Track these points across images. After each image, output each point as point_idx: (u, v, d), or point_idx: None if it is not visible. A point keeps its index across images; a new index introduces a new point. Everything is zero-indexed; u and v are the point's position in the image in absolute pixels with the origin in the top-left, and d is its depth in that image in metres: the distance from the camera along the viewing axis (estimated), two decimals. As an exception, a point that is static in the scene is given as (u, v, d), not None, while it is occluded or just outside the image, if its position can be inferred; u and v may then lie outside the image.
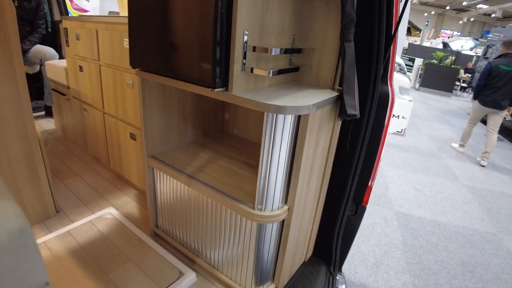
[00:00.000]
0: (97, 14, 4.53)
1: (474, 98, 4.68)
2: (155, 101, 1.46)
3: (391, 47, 1.27)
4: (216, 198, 1.28)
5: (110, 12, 5.06)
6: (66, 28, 2.35)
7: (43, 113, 3.56)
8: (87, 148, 2.60)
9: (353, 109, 1.18)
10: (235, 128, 1.89)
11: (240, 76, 1.04)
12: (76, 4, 4.13)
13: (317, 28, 1.25)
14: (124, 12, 2.49)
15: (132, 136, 1.94)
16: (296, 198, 1.20)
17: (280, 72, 1.11)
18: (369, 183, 1.57)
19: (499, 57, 4.59)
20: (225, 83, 1.04)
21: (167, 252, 1.61)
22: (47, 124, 3.28)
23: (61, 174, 2.33)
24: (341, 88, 1.18)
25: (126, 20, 1.71)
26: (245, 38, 1.00)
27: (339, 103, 1.24)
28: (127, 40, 1.71)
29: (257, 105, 0.99)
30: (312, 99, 1.07)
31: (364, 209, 1.65)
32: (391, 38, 1.24)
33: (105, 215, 1.87)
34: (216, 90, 1.03)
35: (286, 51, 1.19)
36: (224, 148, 1.70)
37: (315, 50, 1.28)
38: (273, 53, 1.01)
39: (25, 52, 3.08)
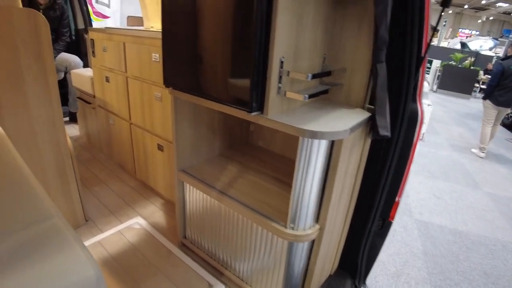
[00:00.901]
0: (118, 19, 4.62)
1: (485, 98, 4.69)
2: (186, 117, 1.50)
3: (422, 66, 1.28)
4: (248, 215, 1.31)
5: (128, 17, 5.16)
6: (92, 39, 2.41)
7: (67, 119, 3.65)
8: (113, 156, 2.66)
9: (385, 130, 1.19)
10: (260, 140, 1.92)
11: (275, 99, 1.06)
12: (97, 10, 4.22)
13: (348, 48, 1.27)
14: (148, 23, 2.55)
15: (160, 147, 1.98)
16: (327, 217, 1.22)
17: (313, 95, 1.13)
18: (397, 199, 1.57)
19: (507, 58, 4.69)
20: (260, 106, 1.06)
21: (195, 263, 1.65)
22: (72, 131, 3.37)
23: (87, 181, 2.39)
24: (372, 106, 1.19)
25: (154, 35, 1.76)
26: (282, 63, 1.02)
27: (370, 122, 1.25)
28: (156, 54, 1.75)
29: (293, 130, 1.01)
30: (346, 122, 1.08)
31: (390, 224, 1.65)
32: (421, 59, 1.24)
33: (133, 225, 1.92)
34: (252, 114, 1.05)
35: (320, 75, 1.21)
36: (250, 160, 1.72)
37: (346, 70, 1.29)
38: (309, 79, 1.02)
39: (51, 60, 3.17)
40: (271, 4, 0.93)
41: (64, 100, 3.64)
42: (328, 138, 1.02)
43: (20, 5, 1.40)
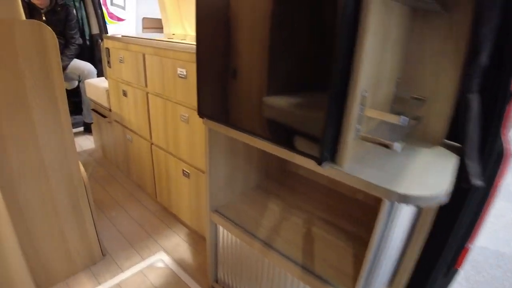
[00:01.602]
0: (133, 21, 4.39)
1: None
2: (221, 149, 1.25)
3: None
4: (297, 275, 1.05)
5: (144, 19, 4.94)
6: (108, 49, 2.18)
7: (81, 129, 3.45)
8: (131, 175, 2.43)
9: (478, 178, 0.92)
10: (300, 168, 1.66)
11: (351, 145, 0.80)
12: (112, 13, 4.00)
13: (428, 71, 1.00)
14: (169, 29, 2.30)
15: (185, 174, 1.74)
16: (402, 282, 0.96)
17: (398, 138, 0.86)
18: (468, 246, 1.30)
19: None
20: (332, 154, 0.80)
21: (230, 316, 1.40)
22: (86, 143, 3.16)
23: (104, 205, 2.18)
24: (450, 142, 0.93)
25: (181, 47, 1.51)
26: (364, 98, 0.76)
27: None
28: (182, 69, 1.51)
29: (377, 190, 0.75)
30: (439, 176, 0.82)
31: (456, 272, 1.39)
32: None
33: (156, 263, 1.68)
34: (324, 166, 0.80)
35: (415, 118, 0.94)
36: (292, 195, 1.47)
37: (425, 98, 1.02)
38: (405, 123, 0.76)
39: (64, 68, 2.96)
40: (357, 22, 0.67)
41: (78, 110, 3.45)
42: (424, 204, 0.75)
43: (23, 16, 1.17)
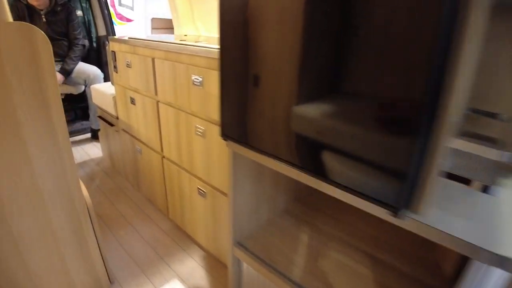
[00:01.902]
0: (142, 22, 4.22)
1: None
2: (247, 173, 1.05)
3: None
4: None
5: (153, 19, 4.76)
6: (114, 52, 2.00)
7: (88, 135, 3.28)
8: (140, 187, 2.25)
9: None
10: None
11: (433, 188, 0.59)
12: (120, 13, 3.83)
13: (508, 83, 0.79)
14: (180, 29, 2.11)
15: (201, 193, 1.54)
16: None
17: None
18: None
19: None
20: (408, 201, 0.60)
21: None
22: (93, 150, 2.99)
23: (111, 222, 2.00)
24: None
25: (197, 51, 1.31)
26: (454, 122, 0.55)
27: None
28: (198, 77, 1.31)
29: (465, 247, 0.54)
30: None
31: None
32: None
33: (170, 294, 1.50)
34: (399, 215, 0.59)
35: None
36: (324, 222, 1.26)
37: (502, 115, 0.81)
38: (507, 160, 0.55)
39: (70, 72, 2.80)
40: (454, 30, 0.46)
41: (85, 116, 3.29)
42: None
43: (10, 18, 0.98)
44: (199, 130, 1.41)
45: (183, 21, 1.99)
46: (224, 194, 1.39)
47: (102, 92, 2.34)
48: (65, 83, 2.84)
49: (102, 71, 3.05)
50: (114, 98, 2.19)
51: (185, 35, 1.95)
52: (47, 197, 1.18)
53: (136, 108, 1.90)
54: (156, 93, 1.66)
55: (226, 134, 0.88)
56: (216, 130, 1.32)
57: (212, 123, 1.33)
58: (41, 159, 1.12)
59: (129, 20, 3.91)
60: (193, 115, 1.43)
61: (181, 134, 1.55)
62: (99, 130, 2.86)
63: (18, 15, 2.65)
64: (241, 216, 1.12)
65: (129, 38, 1.85)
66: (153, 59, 1.60)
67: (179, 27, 2.04)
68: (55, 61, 2.88)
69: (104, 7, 3.12)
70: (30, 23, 2.68)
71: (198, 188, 1.56)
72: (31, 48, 0.98)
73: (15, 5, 2.64)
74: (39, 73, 1.02)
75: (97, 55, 3.33)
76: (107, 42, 3.20)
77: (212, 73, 1.25)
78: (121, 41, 1.91)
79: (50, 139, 1.12)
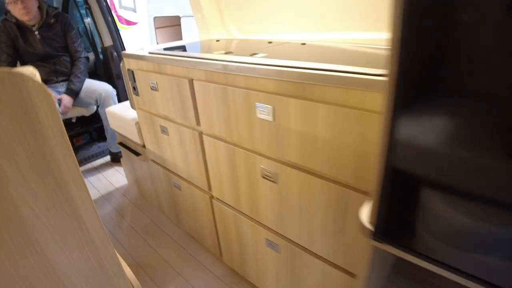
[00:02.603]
0: (146, 24, 3.84)
1: None
2: (385, 272, 0.71)
3: None
4: None
5: (155, 18, 4.37)
6: (131, 71, 1.64)
7: (108, 158, 2.97)
8: (180, 222, 1.94)
9: None
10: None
11: None
12: (121, 16, 3.46)
13: None
14: (207, 33, 1.74)
15: (271, 245, 1.22)
16: None
17: None
18: None
19: None
20: None
21: None
22: (116, 177, 2.67)
23: (156, 274, 1.69)
24: None
25: (264, 73, 0.95)
26: None
27: None
28: (265, 106, 0.96)
29: None
30: None
31: None
32: None
33: None
34: None
35: None
36: None
37: None
38: None
39: (78, 92, 2.47)
40: None
41: (101, 137, 2.98)
42: None
43: None
44: (267, 173, 1.07)
45: (210, 23, 1.62)
46: (309, 252, 1.06)
47: (121, 117, 2.01)
48: (75, 105, 2.51)
49: (114, 86, 2.70)
50: (137, 124, 1.86)
51: (217, 40, 1.59)
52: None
53: (170, 139, 1.56)
54: (198, 123, 1.32)
55: (379, 235, 0.54)
56: (295, 176, 0.98)
57: (288, 165, 0.99)
58: (64, 261, 0.79)
59: (132, 23, 3.54)
60: (258, 153, 1.09)
61: (239, 174, 1.21)
62: (119, 152, 2.55)
63: (9, 37, 2.31)
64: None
65: (149, 53, 1.49)
66: (190, 81, 1.25)
67: (206, 31, 1.67)
68: (60, 80, 2.54)
69: (106, 13, 2.75)
70: (23, 42, 2.32)
71: (267, 239, 1.23)
72: (21, 103, 0.63)
73: (4, 25, 2.29)
74: (39, 139, 0.67)
75: (105, 69, 2.98)
76: (115, 53, 2.85)
77: (287, 102, 0.90)
78: (138, 57, 1.56)
79: (73, 231, 0.78)
